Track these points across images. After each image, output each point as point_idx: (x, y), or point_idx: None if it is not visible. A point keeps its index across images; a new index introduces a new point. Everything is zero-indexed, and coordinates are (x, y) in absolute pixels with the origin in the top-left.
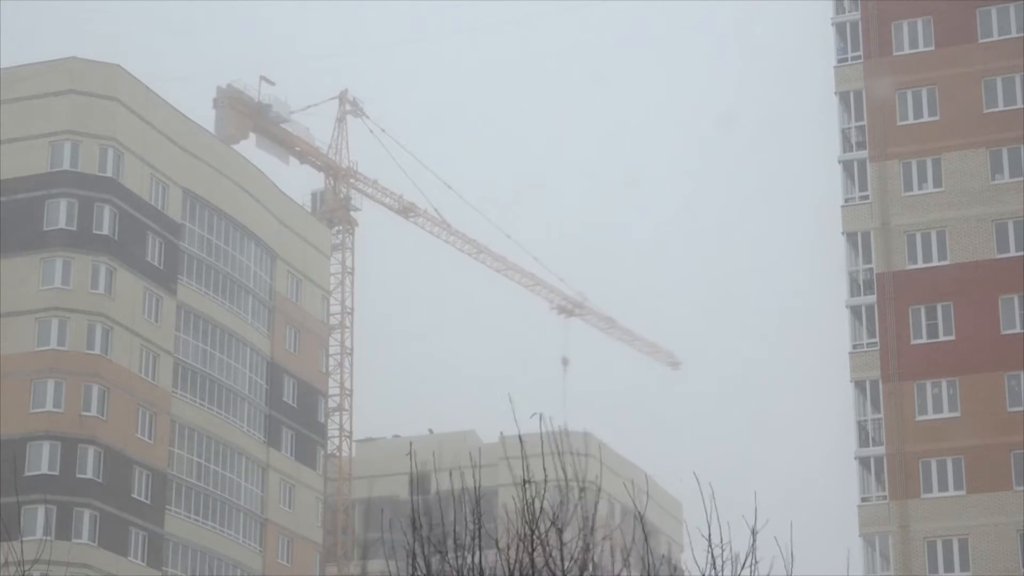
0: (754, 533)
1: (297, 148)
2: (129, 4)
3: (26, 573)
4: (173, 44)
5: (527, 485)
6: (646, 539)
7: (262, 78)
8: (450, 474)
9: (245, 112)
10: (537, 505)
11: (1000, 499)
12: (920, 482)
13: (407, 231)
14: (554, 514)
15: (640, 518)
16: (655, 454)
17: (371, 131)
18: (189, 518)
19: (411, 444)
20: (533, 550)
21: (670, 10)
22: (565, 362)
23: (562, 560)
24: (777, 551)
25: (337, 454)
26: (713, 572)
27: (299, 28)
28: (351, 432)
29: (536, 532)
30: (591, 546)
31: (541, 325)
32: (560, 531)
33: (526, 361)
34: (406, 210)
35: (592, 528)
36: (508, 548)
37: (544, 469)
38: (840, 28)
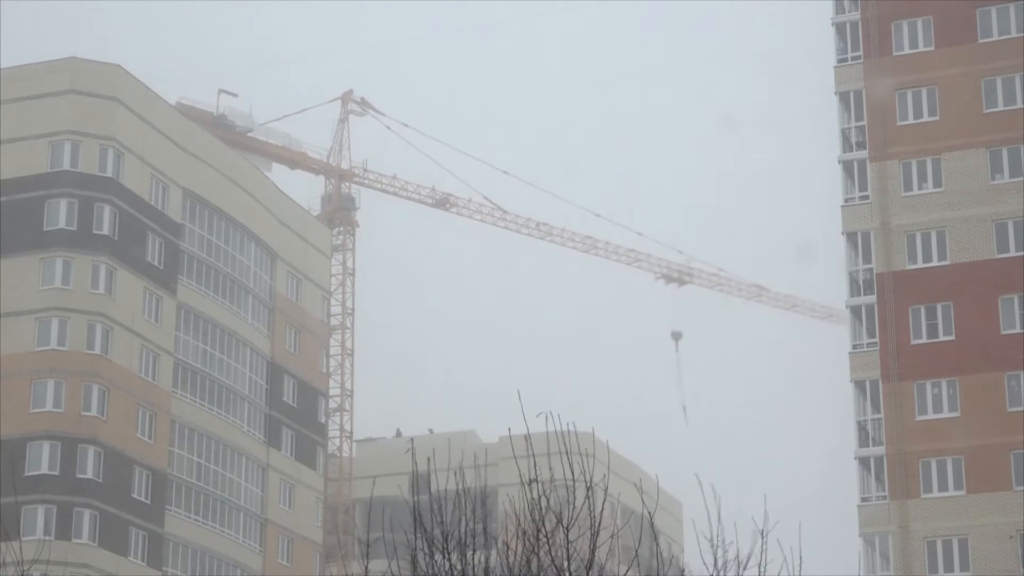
0: (763, 534)
1: (285, 156)
2: (129, 4)
3: (26, 573)
4: (173, 44)
5: (534, 484)
6: (656, 541)
7: (221, 91)
8: (457, 473)
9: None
10: (543, 504)
11: (1000, 499)
12: (920, 482)
13: (442, 222)
14: (562, 513)
15: (650, 520)
16: (653, 453)
17: (388, 127)
18: (189, 518)
19: (411, 440)
20: (547, 549)
21: (670, 10)
22: (677, 336)
23: (568, 559)
24: (784, 551)
25: (337, 454)
26: (716, 572)
27: (298, 29)
28: (351, 432)
29: (543, 531)
30: (596, 546)
31: (641, 298)
32: (567, 530)
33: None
34: (442, 202)
35: (598, 528)
36: (510, 547)
37: (553, 468)
38: (840, 28)
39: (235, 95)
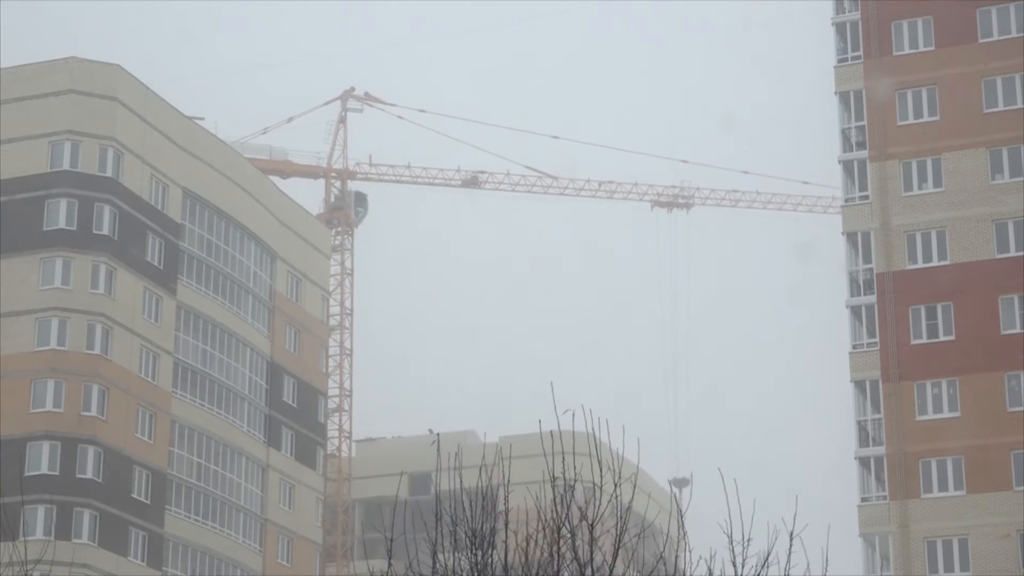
0: (792, 536)
1: (269, 167)
2: (129, 4)
3: (27, 573)
4: (173, 44)
5: (557, 481)
6: (685, 536)
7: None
8: (498, 473)
9: None
10: (569, 501)
11: (1000, 499)
12: (920, 482)
13: (466, 200)
14: (588, 511)
15: (679, 517)
16: (652, 451)
17: (400, 116)
18: (189, 518)
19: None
20: (571, 545)
21: (670, 10)
22: (680, 483)
23: (592, 557)
24: (806, 552)
25: (337, 454)
26: (734, 570)
27: (297, 29)
28: (351, 432)
29: (570, 529)
30: (619, 545)
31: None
32: (592, 527)
33: None
34: (471, 180)
35: (624, 526)
36: (530, 545)
37: (554, 468)
38: (840, 28)
39: (201, 119)
